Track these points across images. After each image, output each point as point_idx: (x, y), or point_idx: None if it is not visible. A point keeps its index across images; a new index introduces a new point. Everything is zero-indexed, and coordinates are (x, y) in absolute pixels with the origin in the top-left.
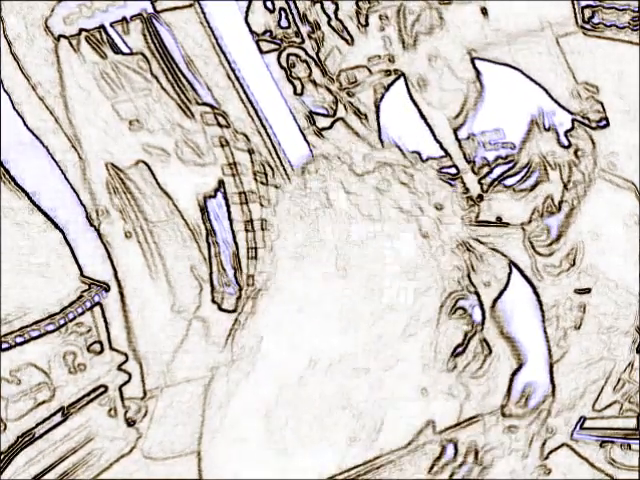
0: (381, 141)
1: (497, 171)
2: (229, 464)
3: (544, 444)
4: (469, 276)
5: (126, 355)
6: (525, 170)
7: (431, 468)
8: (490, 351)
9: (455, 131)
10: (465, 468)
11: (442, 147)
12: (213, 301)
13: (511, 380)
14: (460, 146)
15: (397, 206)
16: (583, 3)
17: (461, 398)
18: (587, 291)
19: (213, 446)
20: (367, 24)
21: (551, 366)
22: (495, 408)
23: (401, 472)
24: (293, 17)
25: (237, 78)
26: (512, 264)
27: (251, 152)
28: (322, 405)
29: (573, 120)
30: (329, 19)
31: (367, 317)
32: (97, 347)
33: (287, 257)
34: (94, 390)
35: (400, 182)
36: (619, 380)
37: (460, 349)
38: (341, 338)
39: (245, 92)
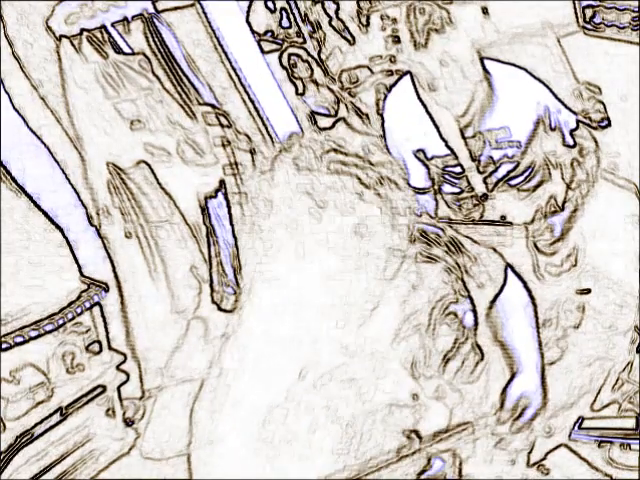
0: (385, 141)
1: (502, 170)
2: (218, 472)
3: (531, 451)
4: (462, 279)
5: (125, 355)
6: (530, 169)
7: (420, 474)
8: (482, 356)
9: (462, 130)
10: (451, 474)
11: (447, 145)
12: (212, 301)
13: (504, 391)
14: (466, 144)
15: (387, 207)
16: (584, 3)
17: (451, 404)
18: (587, 291)
19: (203, 459)
20: (368, 24)
21: (543, 372)
22: (485, 415)
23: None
24: (294, 17)
25: (239, 78)
26: (508, 266)
27: (253, 152)
28: (311, 418)
29: (577, 120)
30: (330, 19)
31: (356, 323)
32: (96, 347)
33: (273, 266)
34: (92, 390)
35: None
36: (617, 380)
37: (450, 355)
38: (330, 347)
39: (247, 92)
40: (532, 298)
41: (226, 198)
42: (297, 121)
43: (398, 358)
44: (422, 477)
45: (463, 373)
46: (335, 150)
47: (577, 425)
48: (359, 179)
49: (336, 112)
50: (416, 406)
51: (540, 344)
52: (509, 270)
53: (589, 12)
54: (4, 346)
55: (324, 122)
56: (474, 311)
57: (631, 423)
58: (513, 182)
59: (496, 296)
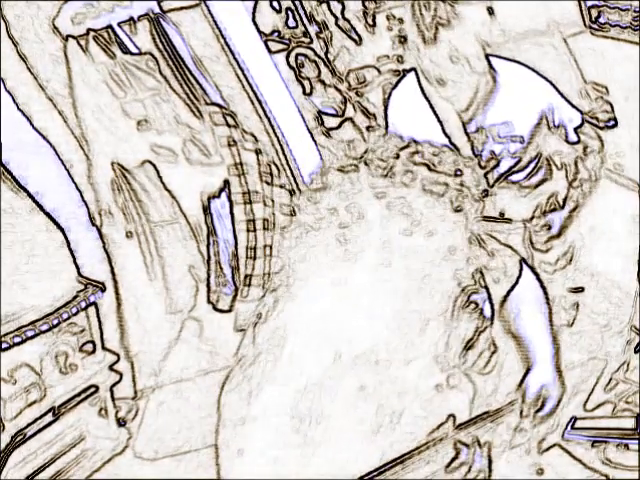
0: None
1: (504, 166)
2: (251, 459)
3: (542, 440)
4: (481, 271)
5: (118, 355)
6: (532, 166)
7: (448, 466)
8: (496, 348)
9: (464, 125)
10: (476, 465)
11: (451, 141)
12: (209, 301)
13: (522, 382)
14: (468, 139)
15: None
16: (589, 3)
17: (469, 394)
18: (581, 290)
19: (233, 440)
20: (375, 24)
21: (558, 364)
22: (501, 405)
23: (418, 471)
24: (300, 17)
25: (246, 78)
26: (523, 261)
27: (258, 152)
28: (345, 399)
29: (583, 119)
30: (336, 19)
31: (388, 310)
32: (89, 347)
33: (310, 253)
34: (85, 390)
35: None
36: (610, 380)
37: (471, 343)
38: (363, 331)
39: (254, 92)
40: (546, 294)
41: (229, 198)
42: (304, 121)
43: (427, 344)
44: (451, 465)
45: (479, 364)
46: (429, 168)
47: (570, 425)
48: (451, 202)
49: (343, 112)
50: (441, 394)
51: (555, 337)
52: (524, 266)
53: (594, 12)
54: (3, 346)
55: (331, 122)
56: (491, 302)
57: (629, 423)
58: (515, 178)
59: (509, 290)
